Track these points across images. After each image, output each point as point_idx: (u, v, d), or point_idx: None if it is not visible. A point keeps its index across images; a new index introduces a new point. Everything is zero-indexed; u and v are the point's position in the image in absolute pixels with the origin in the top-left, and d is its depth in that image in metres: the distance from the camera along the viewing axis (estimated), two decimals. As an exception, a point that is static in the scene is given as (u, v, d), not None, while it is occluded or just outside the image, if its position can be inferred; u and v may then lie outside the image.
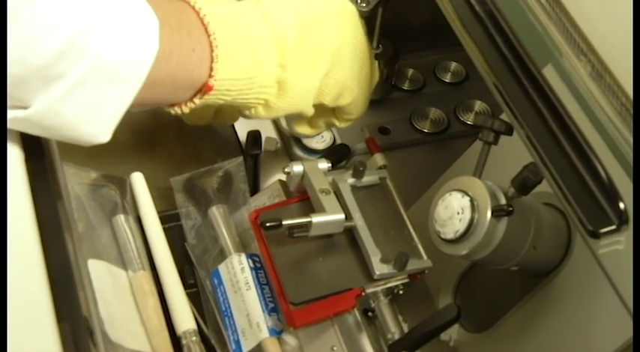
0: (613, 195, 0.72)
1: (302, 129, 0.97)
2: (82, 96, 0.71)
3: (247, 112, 0.87)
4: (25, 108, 0.71)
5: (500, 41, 0.86)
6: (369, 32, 1.18)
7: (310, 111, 0.90)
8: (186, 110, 0.82)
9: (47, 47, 0.68)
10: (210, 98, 0.82)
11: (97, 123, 0.74)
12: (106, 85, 0.71)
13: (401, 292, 0.89)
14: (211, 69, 0.80)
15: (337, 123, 0.97)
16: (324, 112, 0.95)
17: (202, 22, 0.80)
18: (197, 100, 0.82)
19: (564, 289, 0.86)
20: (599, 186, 0.73)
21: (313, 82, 0.87)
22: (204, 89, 0.81)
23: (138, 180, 1.04)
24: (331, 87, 0.90)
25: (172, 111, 0.83)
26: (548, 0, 0.83)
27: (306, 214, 0.87)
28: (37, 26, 0.67)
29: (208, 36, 0.80)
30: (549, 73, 0.82)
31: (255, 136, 0.99)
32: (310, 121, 0.97)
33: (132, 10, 0.73)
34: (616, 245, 0.72)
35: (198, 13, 0.80)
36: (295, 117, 0.94)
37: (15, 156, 0.77)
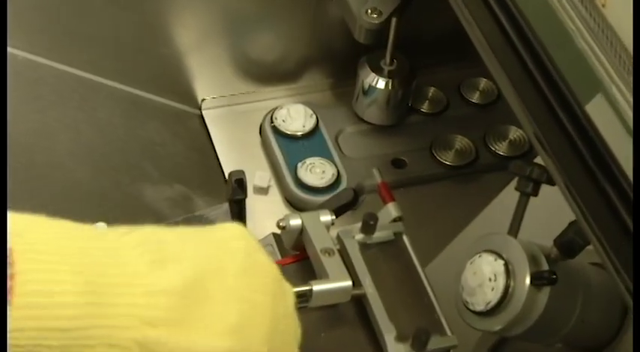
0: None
1: None
2: None
3: None
4: None
5: (535, 68, 0.74)
6: (383, 46, 1.07)
7: None
8: None
9: None
10: None
11: None
12: None
13: (420, 375, 0.78)
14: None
15: None
16: None
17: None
18: None
19: (620, 369, 0.79)
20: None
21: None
22: None
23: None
24: None
25: None
26: (592, 14, 0.70)
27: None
28: None
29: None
30: (596, 108, 0.70)
31: (239, 178, 0.87)
32: None
33: None
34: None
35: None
36: None
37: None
